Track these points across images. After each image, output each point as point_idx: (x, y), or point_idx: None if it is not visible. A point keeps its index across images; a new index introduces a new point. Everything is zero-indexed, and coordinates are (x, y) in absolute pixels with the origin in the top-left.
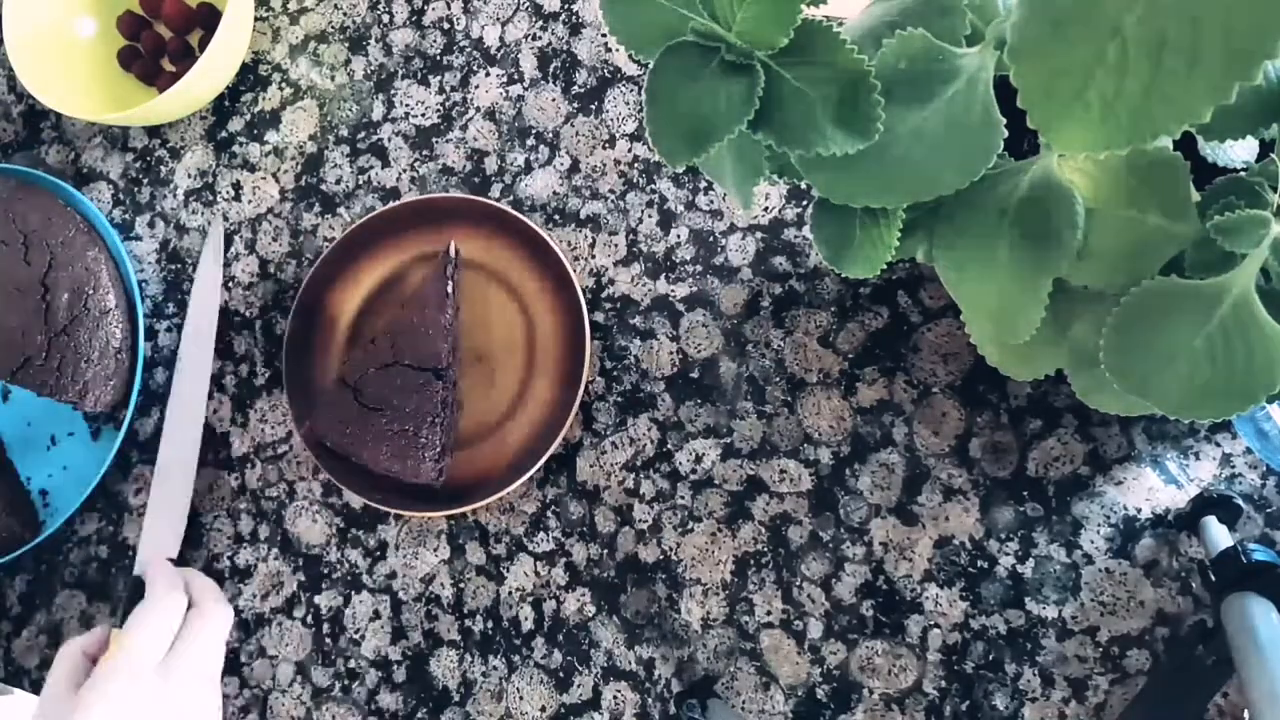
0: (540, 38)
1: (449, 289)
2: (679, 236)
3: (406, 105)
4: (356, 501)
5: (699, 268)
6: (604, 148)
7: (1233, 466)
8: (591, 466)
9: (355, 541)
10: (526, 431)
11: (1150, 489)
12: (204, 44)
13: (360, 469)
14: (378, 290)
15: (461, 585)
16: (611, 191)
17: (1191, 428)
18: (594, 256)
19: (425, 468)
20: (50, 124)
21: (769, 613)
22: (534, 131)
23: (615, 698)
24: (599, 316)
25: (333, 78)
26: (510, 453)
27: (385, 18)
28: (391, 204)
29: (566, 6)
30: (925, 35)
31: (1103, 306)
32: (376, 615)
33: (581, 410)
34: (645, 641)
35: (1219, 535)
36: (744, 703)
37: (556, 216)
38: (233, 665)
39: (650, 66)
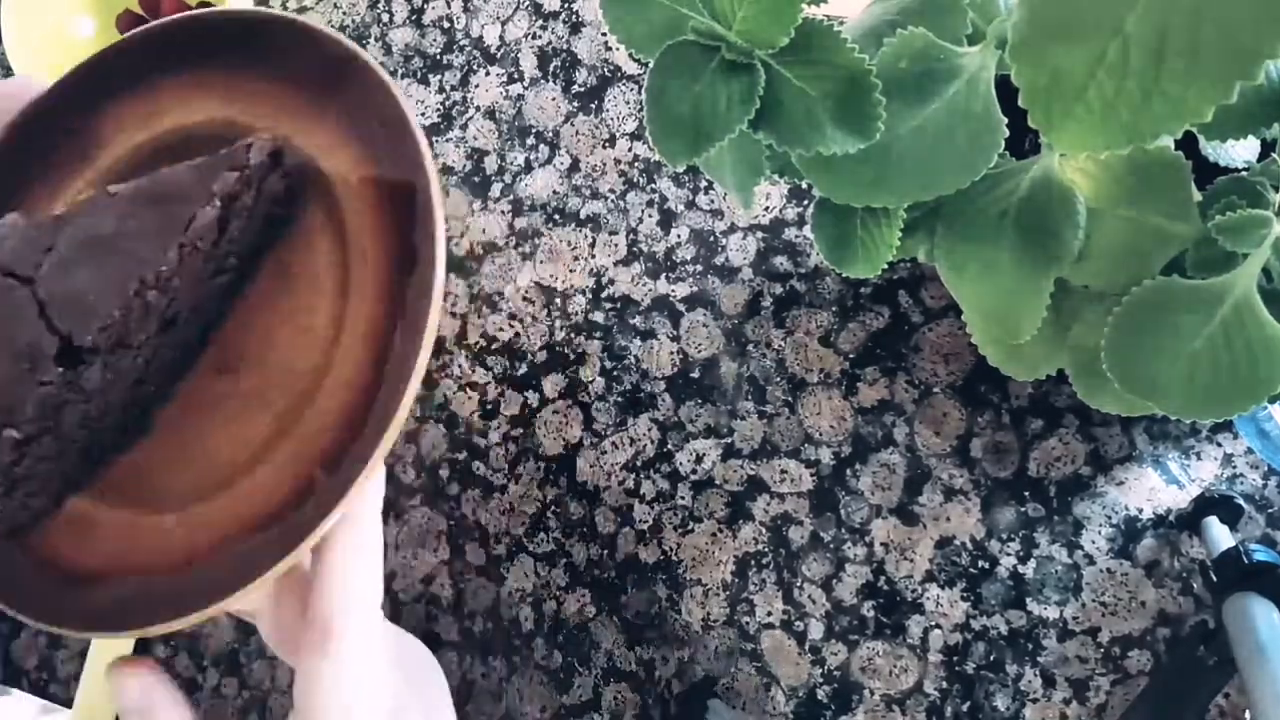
0: (540, 37)
1: (207, 213)
2: (679, 236)
3: None
4: None
5: (699, 267)
6: (604, 147)
7: (1234, 466)
8: (591, 467)
9: None
10: (244, 524)
11: (1152, 489)
12: None
13: None
14: (180, 141)
15: (461, 586)
16: (612, 191)
17: (1193, 428)
18: (594, 256)
19: None
20: None
21: (770, 613)
22: (534, 131)
23: (615, 698)
24: (599, 316)
25: None
26: (195, 549)
27: (385, 16)
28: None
29: (566, 5)
30: (926, 34)
31: (1104, 306)
32: None
33: (581, 410)
34: (645, 642)
35: (1220, 535)
36: (745, 704)
37: (556, 216)
38: (232, 666)
39: (650, 66)
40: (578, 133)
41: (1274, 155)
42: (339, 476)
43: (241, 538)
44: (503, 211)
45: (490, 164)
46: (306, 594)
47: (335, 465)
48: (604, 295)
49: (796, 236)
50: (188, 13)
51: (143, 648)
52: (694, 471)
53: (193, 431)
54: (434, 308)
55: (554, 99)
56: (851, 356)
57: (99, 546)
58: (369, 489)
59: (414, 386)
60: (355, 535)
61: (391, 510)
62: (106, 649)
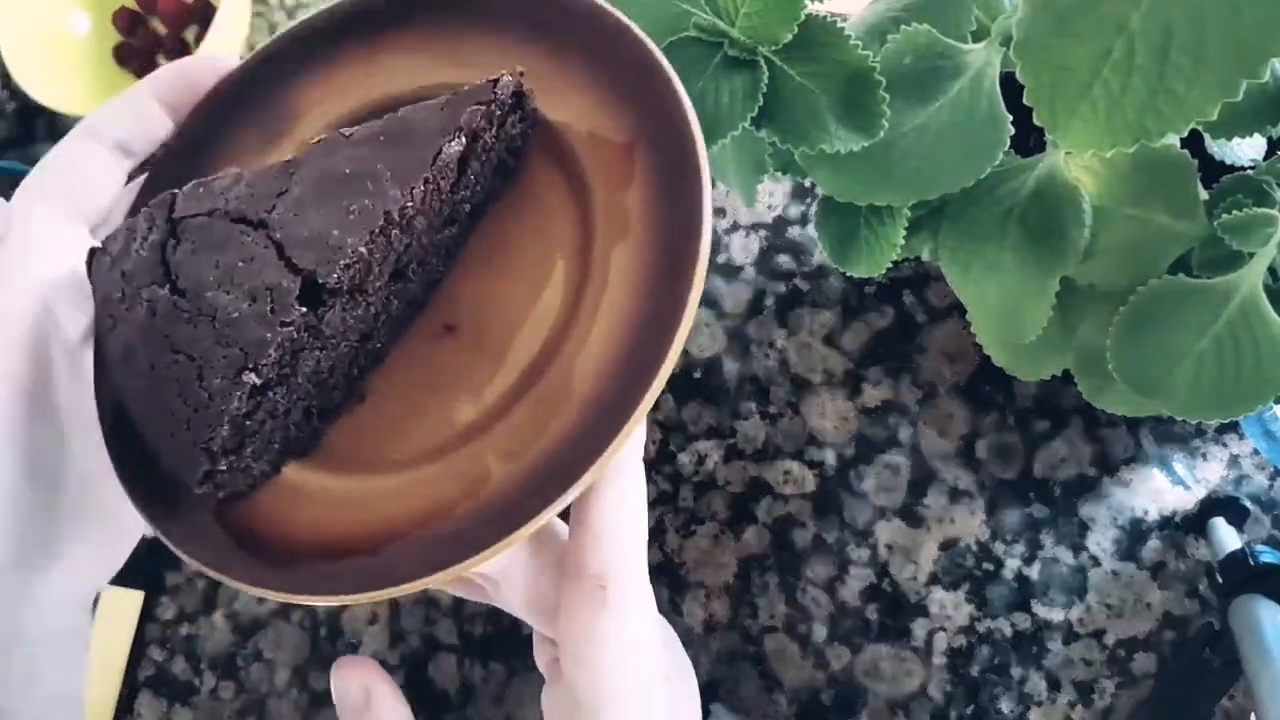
0: None
1: (453, 145)
2: None
3: None
4: None
5: None
6: None
7: (1240, 468)
8: None
9: None
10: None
11: (1157, 490)
12: (200, 40)
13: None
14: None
15: None
16: None
17: (1199, 429)
18: None
19: (184, 447)
20: (44, 121)
21: (772, 616)
22: None
23: None
24: None
25: None
26: (455, 509)
27: None
28: None
29: None
30: (930, 31)
31: (1109, 306)
32: (374, 619)
33: None
34: None
35: (1226, 537)
36: (747, 707)
37: None
38: (229, 669)
39: None
40: None
41: None
42: (595, 430)
43: (484, 494)
44: None
45: None
46: (562, 552)
47: (590, 420)
48: None
49: (800, 235)
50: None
51: (138, 649)
52: (696, 473)
53: (414, 394)
54: (703, 256)
55: None
56: (855, 357)
57: (314, 516)
58: (632, 443)
59: (680, 341)
60: (623, 484)
61: None
62: (104, 648)
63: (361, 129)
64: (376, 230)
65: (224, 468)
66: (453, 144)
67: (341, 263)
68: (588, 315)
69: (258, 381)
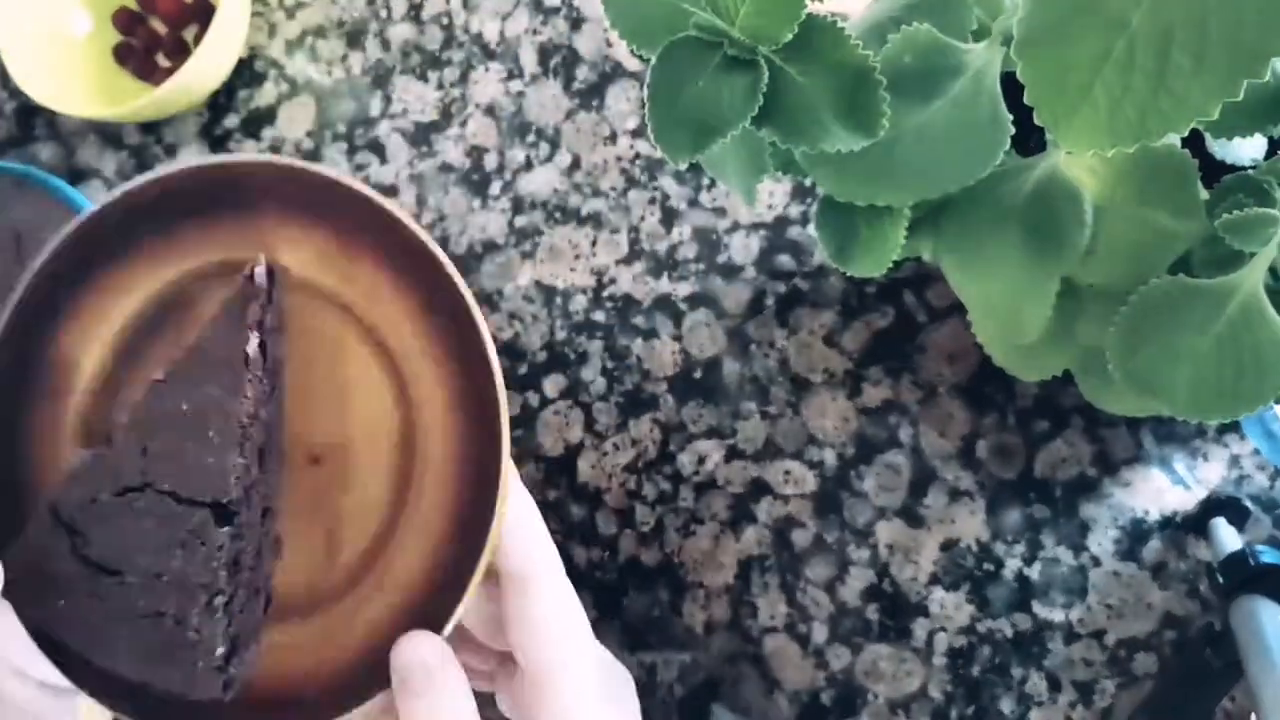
0: (541, 32)
1: (252, 342)
2: (681, 234)
3: (405, 101)
4: None
5: (702, 266)
6: (605, 144)
7: (1241, 468)
8: (592, 468)
9: None
10: (392, 602)
11: (1158, 490)
12: (200, 39)
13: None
14: (144, 323)
15: None
16: (613, 189)
17: (1199, 429)
18: (595, 255)
19: (201, 676)
20: (43, 121)
21: (773, 617)
22: (534, 128)
23: None
24: (600, 316)
25: (330, 73)
26: (356, 641)
27: (383, 12)
28: (158, 171)
29: (567, 1)
30: (931, 30)
31: (1110, 306)
32: None
33: (582, 411)
34: (647, 646)
35: (1227, 537)
36: (748, 708)
37: (557, 214)
38: None
39: (652, 62)
40: (579, 130)
41: None
42: (449, 575)
43: (354, 639)
44: (503, 210)
45: (490, 161)
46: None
47: (445, 559)
48: (605, 294)
49: (800, 235)
50: (130, 191)
51: None
52: (696, 473)
53: (305, 536)
54: (502, 407)
55: (554, 96)
56: (856, 356)
57: (281, 669)
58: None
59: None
60: (539, 586)
61: None
62: None
63: (169, 369)
64: (239, 440)
65: (234, 670)
66: (250, 344)
67: (231, 479)
68: (423, 435)
69: (227, 590)
